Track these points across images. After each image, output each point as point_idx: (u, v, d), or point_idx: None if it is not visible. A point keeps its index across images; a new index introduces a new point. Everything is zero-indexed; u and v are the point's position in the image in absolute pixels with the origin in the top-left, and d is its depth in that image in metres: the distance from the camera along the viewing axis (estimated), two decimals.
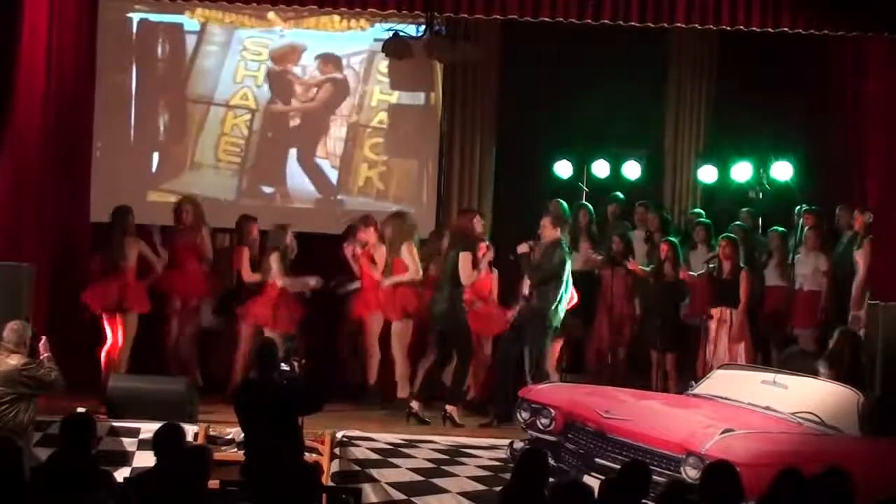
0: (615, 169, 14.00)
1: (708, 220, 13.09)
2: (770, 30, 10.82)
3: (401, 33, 13.02)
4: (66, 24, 11.43)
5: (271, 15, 13.71)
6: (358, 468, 9.93)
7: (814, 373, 10.06)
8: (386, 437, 10.11)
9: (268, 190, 13.93)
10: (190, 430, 9.47)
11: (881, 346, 10.81)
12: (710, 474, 6.56)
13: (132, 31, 13.87)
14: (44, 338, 9.27)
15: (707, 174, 13.94)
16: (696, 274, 12.19)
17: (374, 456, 9.97)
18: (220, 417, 10.25)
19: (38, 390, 9.08)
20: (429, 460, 10.00)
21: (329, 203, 14.00)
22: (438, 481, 9.89)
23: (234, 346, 11.80)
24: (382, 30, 13.40)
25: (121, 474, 8.58)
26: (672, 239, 12.54)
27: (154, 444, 7.33)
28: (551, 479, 7.12)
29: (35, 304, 10.69)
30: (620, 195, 13.76)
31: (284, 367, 8.80)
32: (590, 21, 10.80)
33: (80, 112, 12.17)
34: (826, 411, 9.08)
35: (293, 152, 14.03)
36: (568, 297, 11.15)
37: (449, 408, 10.99)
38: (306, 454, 9.05)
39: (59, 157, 11.49)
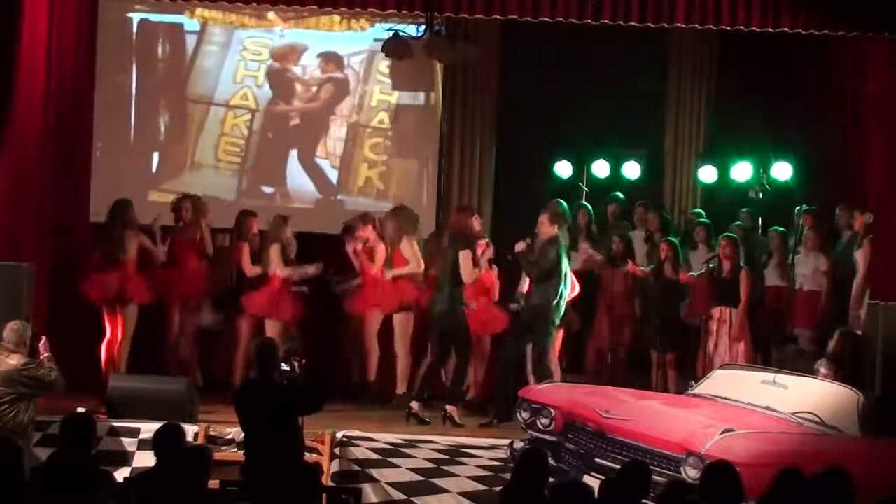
0: (615, 169, 14.00)
1: (708, 220, 13.09)
2: (770, 30, 10.82)
3: (401, 33, 13.02)
4: (66, 24, 11.43)
5: (271, 15, 13.72)
6: (358, 468, 9.93)
7: (811, 372, 10.06)
8: (386, 437, 10.11)
9: (268, 190, 13.94)
10: (190, 430, 9.47)
11: (881, 346, 10.81)
12: (710, 474, 6.56)
13: (132, 31, 13.87)
14: (44, 338, 9.27)
15: (707, 174, 13.94)
16: (696, 274, 12.18)
17: (374, 456, 9.97)
18: (220, 417, 10.25)
19: (38, 390, 9.08)
20: (429, 460, 10.00)
21: (329, 203, 14.00)
22: (438, 481, 9.89)
23: (234, 346, 11.81)
24: (382, 30, 13.40)
25: (121, 474, 8.57)
26: (672, 239, 12.54)
27: (154, 444, 7.33)
28: (551, 479, 7.12)
29: (35, 304, 10.69)
30: (620, 195, 13.76)
31: (284, 367, 8.80)
32: (590, 21, 10.80)
33: (80, 112, 12.17)
34: (826, 411, 9.08)
35: (293, 152, 14.04)
36: (568, 291, 11.14)
37: (449, 408, 10.99)
38: (306, 454, 9.04)
39: (59, 157, 11.49)
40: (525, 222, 11.56)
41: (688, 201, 14.56)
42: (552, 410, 9.35)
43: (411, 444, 10.08)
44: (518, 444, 9.51)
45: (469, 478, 9.90)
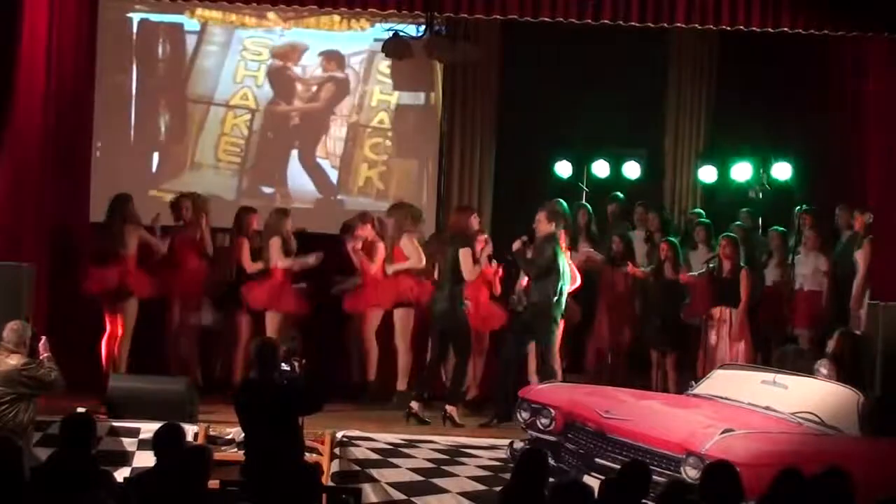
0: (615, 169, 14.00)
1: (708, 220, 13.09)
2: (770, 30, 10.82)
3: (401, 33, 13.02)
4: (66, 24, 11.43)
5: (271, 15, 13.72)
6: (358, 468, 9.93)
7: (809, 371, 10.05)
8: (386, 437, 10.10)
9: (268, 190, 13.94)
10: (190, 430, 9.46)
11: (881, 346, 10.80)
12: (710, 474, 6.56)
13: (132, 31, 13.88)
14: (43, 338, 9.27)
15: (707, 174, 13.95)
16: (696, 274, 12.19)
17: (374, 456, 9.97)
18: (220, 417, 10.25)
19: (38, 390, 9.08)
20: (429, 460, 10.00)
21: (329, 203, 14.00)
22: (438, 481, 9.89)
23: (234, 344, 11.80)
24: (382, 30, 13.40)
25: (121, 474, 8.57)
26: (672, 239, 12.54)
27: (154, 444, 7.33)
28: (551, 479, 7.12)
29: (35, 304, 10.68)
30: (620, 195, 13.76)
31: (285, 367, 8.80)
32: (590, 21, 10.80)
33: (80, 112, 12.16)
34: (826, 411, 9.08)
35: (293, 152, 14.04)
36: (568, 286, 11.12)
37: (449, 408, 10.99)
38: (306, 454, 9.04)
39: (59, 157, 11.49)
40: (525, 222, 11.55)
41: (688, 201, 14.57)
42: (552, 410, 9.34)
43: (411, 444, 10.08)
44: (518, 444, 9.50)
45: (469, 478, 9.89)
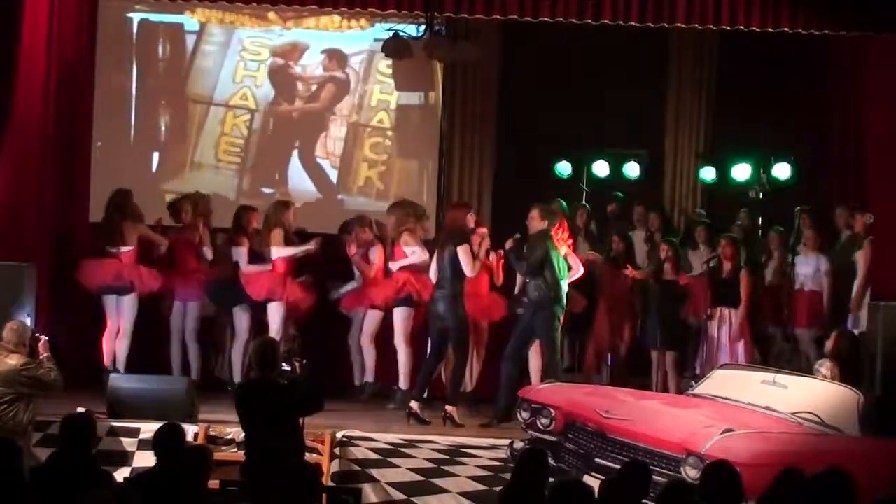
0: (615, 169, 14.01)
1: (709, 220, 13.10)
2: (770, 30, 10.82)
3: (401, 33, 13.03)
4: (66, 25, 11.43)
5: (272, 15, 13.73)
6: (358, 468, 9.92)
7: (809, 372, 10.05)
8: (386, 437, 10.10)
9: (268, 190, 13.94)
10: (190, 430, 9.46)
11: (881, 346, 10.79)
12: (710, 474, 6.56)
13: (132, 31, 13.89)
14: (43, 338, 9.28)
15: (707, 174, 13.95)
16: (695, 275, 12.19)
17: (374, 456, 9.96)
18: (220, 417, 10.25)
19: (38, 390, 9.08)
20: (429, 460, 9.99)
21: (329, 203, 14.01)
22: (438, 481, 9.88)
23: (233, 341, 11.79)
24: (382, 30, 13.42)
25: (121, 474, 8.58)
26: (672, 239, 12.55)
27: (154, 444, 7.33)
28: (551, 479, 7.11)
29: (35, 304, 10.68)
30: (620, 195, 13.77)
31: (285, 367, 8.79)
32: (590, 21, 10.80)
33: (80, 112, 12.17)
34: (826, 411, 9.07)
35: (293, 152, 14.05)
36: (567, 279, 11.10)
37: (449, 408, 10.98)
38: (306, 454, 9.03)
39: (59, 157, 11.50)
40: (525, 222, 11.55)
41: (688, 201, 14.58)
42: (552, 410, 9.34)
43: (411, 444, 10.07)
44: (518, 444, 9.50)
45: (469, 478, 9.89)
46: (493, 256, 11.70)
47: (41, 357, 9.16)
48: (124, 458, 9.77)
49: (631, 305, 12.61)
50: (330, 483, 9.63)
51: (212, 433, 9.98)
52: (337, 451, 9.92)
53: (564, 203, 12.75)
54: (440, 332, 11.17)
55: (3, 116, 10.73)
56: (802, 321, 12.11)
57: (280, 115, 14.07)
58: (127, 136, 13.86)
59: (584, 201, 13.68)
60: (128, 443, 9.88)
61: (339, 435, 9.99)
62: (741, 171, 13.51)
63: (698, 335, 12.03)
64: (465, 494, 9.79)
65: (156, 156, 13.99)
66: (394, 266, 11.76)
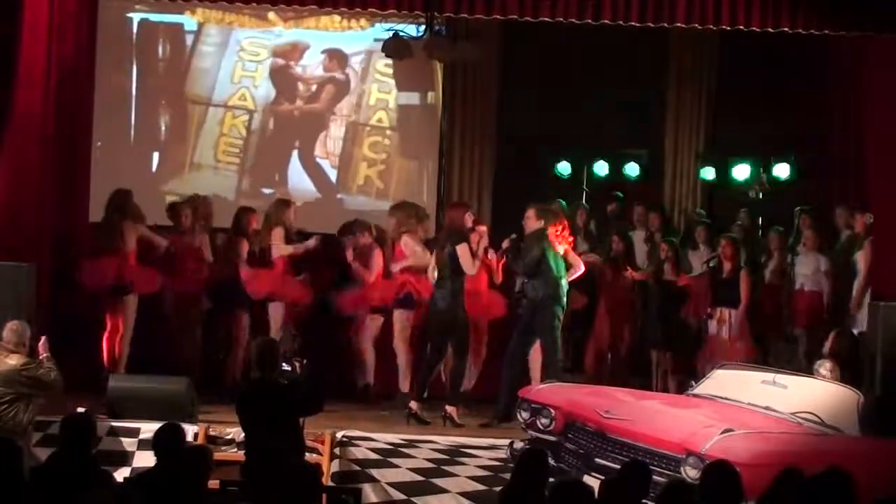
0: (615, 169, 14.01)
1: (709, 220, 13.10)
2: (770, 30, 10.82)
3: (401, 33, 13.03)
4: (66, 25, 11.43)
5: (271, 15, 13.73)
6: (358, 468, 9.92)
7: (809, 372, 10.06)
8: (386, 437, 10.10)
9: (267, 190, 13.94)
10: (190, 430, 9.46)
11: (881, 346, 10.79)
12: (710, 474, 6.56)
13: (132, 31, 13.91)
14: (43, 337, 9.27)
15: (707, 174, 13.95)
16: (695, 275, 12.19)
17: (374, 456, 9.96)
18: (220, 417, 10.25)
19: (38, 390, 9.08)
20: (429, 460, 9.99)
21: (329, 202, 14.01)
22: (438, 481, 9.88)
23: (234, 344, 11.78)
24: (382, 30, 13.42)
25: (121, 474, 8.57)
26: (672, 239, 12.55)
27: (154, 444, 7.33)
28: (551, 479, 7.11)
29: (35, 304, 10.68)
30: (620, 195, 13.77)
31: (285, 367, 8.79)
32: (590, 21, 10.80)
33: (80, 112, 12.15)
34: (826, 411, 9.07)
35: (293, 152, 14.05)
36: (566, 278, 11.11)
37: (449, 408, 10.98)
38: (306, 454, 9.03)
39: (59, 157, 11.49)
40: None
41: (688, 201, 14.58)
42: (552, 410, 9.33)
43: (411, 444, 10.07)
44: (518, 444, 9.49)
45: (469, 478, 9.89)
46: (491, 255, 11.70)
47: (41, 357, 9.16)
48: (124, 458, 9.77)
49: (631, 305, 12.61)
50: (330, 483, 9.62)
51: (212, 433, 9.97)
52: (337, 451, 9.92)
53: (564, 203, 12.76)
54: (440, 332, 11.16)
55: (3, 116, 10.73)
56: (802, 321, 12.11)
57: (279, 115, 14.07)
58: (127, 136, 13.86)
59: (584, 201, 13.68)
60: (128, 443, 9.88)
61: (339, 435, 9.98)
62: (741, 171, 13.51)
63: (698, 335, 12.03)
64: (465, 494, 9.79)
65: (156, 156, 13.99)
66: (394, 267, 11.75)
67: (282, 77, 14.04)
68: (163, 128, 14.01)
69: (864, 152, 12.03)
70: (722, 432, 8.34)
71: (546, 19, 10.83)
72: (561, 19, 10.82)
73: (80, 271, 11.40)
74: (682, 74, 14.64)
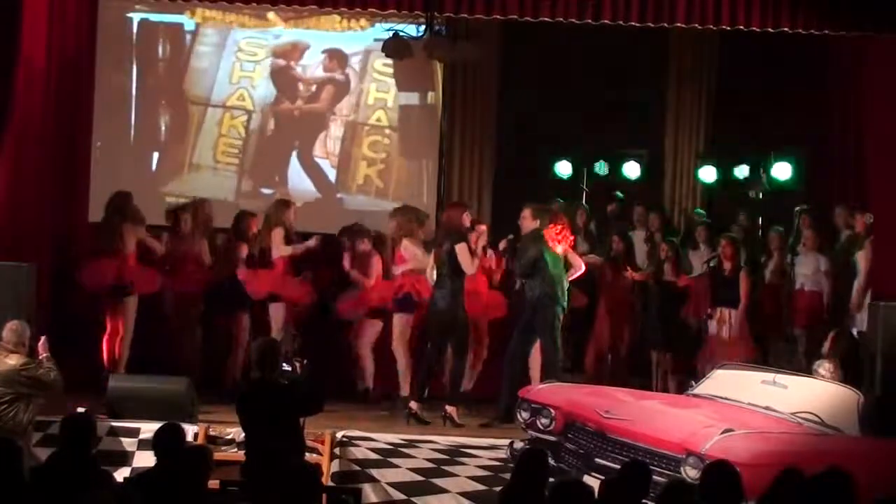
0: (615, 169, 14.00)
1: (709, 220, 13.10)
2: (770, 30, 10.82)
3: (401, 33, 13.02)
4: (66, 25, 11.43)
5: (271, 15, 13.73)
6: (358, 468, 9.92)
7: (808, 372, 10.06)
8: (386, 437, 10.10)
9: (267, 191, 13.93)
10: (190, 430, 9.46)
11: (881, 346, 10.80)
12: (710, 474, 6.56)
13: (132, 31, 13.90)
14: (43, 337, 9.27)
15: (707, 174, 13.95)
16: (696, 275, 12.19)
17: (374, 456, 9.96)
18: (220, 417, 10.25)
19: (38, 390, 9.08)
20: (429, 460, 9.99)
21: (329, 202, 14.01)
22: (438, 481, 9.88)
23: (234, 345, 11.77)
24: (382, 30, 13.41)
25: (121, 474, 8.58)
26: (672, 239, 12.55)
27: (154, 444, 7.33)
28: (551, 479, 7.11)
29: (35, 304, 10.68)
30: (620, 195, 13.77)
31: (286, 367, 8.79)
32: (590, 21, 10.80)
33: (80, 112, 12.17)
34: (826, 411, 9.07)
35: (292, 152, 14.04)
36: (566, 278, 11.11)
37: (449, 408, 10.98)
38: (306, 454, 9.03)
39: (59, 157, 11.49)
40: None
41: (688, 201, 14.58)
42: (552, 410, 9.33)
43: (411, 444, 10.07)
44: (518, 444, 9.49)
45: (469, 478, 9.89)
46: (490, 254, 11.70)
47: (41, 357, 9.16)
48: (124, 458, 9.77)
49: (631, 306, 12.61)
50: (330, 483, 9.62)
51: (212, 433, 9.98)
52: (337, 451, 9.92)
53: (564, 203, 12.77)
54: (440, 332, 11.16)
55: (3, 116, 10.73)
56: (802, 321, 12.11)
57: (278, 115, 14.06)
58: (127, 136, 13.86)
59: (583, 201, 13.67)
60: (128, 443, 9.88)
61: (339, 435, 9.99)
62: (741, 171, 13.50)
63: (698, 335, 12.03)
64: (465, 494, 9.79)
65: (155, 156, 13.99)
66: (395, 270, 11.74)
67: (282, 77, 14.04)
68: (163, 128, 14.01)
69: (864, 152, 12.03)
70: (722, 432, 8.34)
71: (546, 19, 10.83)
72: (561, 19, 10.82)
73: (80, 271, 11.40)
74: (682, 74, 14.63)
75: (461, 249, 10.98)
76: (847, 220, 12.43)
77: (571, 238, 11.42)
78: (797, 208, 12.67)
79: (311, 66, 14.08)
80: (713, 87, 14.61)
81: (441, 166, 14.10)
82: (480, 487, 9.80)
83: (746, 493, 6.47)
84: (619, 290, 12.49)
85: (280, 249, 11.62)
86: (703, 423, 8.77)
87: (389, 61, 13.61)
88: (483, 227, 11.56)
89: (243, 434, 8.81)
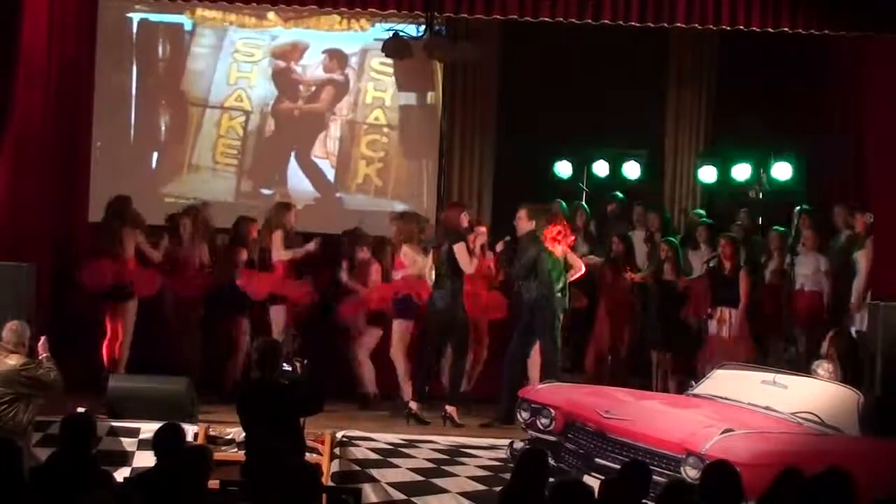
0: (615, 169, 14.00)
1: (710, 220, 13.10)
2: (770, 30, 10.82)
3: (401, 33, 13.02)
4: (66, 25, 11.43)
5: (271, 15, 13.73)
6: (358, 468, 9.93)
7: (807, 372, 10.06)
8: (386, 437, 10.10)
9: (267, 191, 13.93)
10: (190, 430, 9.46)
11: (881, 346, 10.79)
12: (710, 474, 6.56)
13: (132, 31, 13.89)
14: (42, 337, 9.27)
15: (707, 174, 13.94)
16: (695, 276, 12.20)
17: (374, 456, 9.96)
18: (220, 417, 10.25)
19: (37, 390, 9.08)
20: (429, 460, 9.99)
21: (328, 202, 14.01)
22: (438, 481, 9.89)
23: (234, 349, 11.74)
24: (382, 30, 13.40)
25: (121, 474, 8.58)
26: (672, 239, 12.55)
27: (154, 444, 7.33)
28: (551, 479, 7.11)
29: (35, 304, 10.68)
30: (620, 195, 13.76)
31: (286, 367, 8.79)
32: (590, 21, 10.80)
33: (80, 112, 12.17)
34: (826, 411, 9.08)
35: (291, 152, 14.03)
36: (564, 280, 11.10)
37: (449, 408, 10.98)
38: (306, 454, 9.03)
39: (59, 157, 11.49)
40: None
41: (688, 201, 14.57)
42: (552, 410, 9.34)
43: (411, 444, 10.08)
44: (518, 444, 9.50)
45: (469, 478, 9.89)
46: (489, 254, 11.70)
47: (40, 357, 9.15)
48: (124, 458, 9.78)
49: (631, 306, 12.61)
50: (330, 483, 9.63)
51: (212, 433, 9.98)
52: (337, 451, 9.92)
53: (564, 203, 12.76)
54: (439, 332, 11.17)
55: (3, 116, 10.73)
56: (802, 321, 12.10)
57: (276, 115, 14.05)
58: (127, 136, 13.85)
59: (583, 201, 13.67)
60: (128, 443, 9.89)
61: (339, 435, 9.99)
62: (741, 171, 13.50)
63: (698, 335, 12.03)
64: (465, 494, 9.79)
65: (155, 156, 13.98)
66: (395, 276, 11.73)
67: (282, 77, 14.04)
68: (163, 128, 14.01)
69: (864, 152, 12.03)
70: (722, 432, 8.34)
71: (546, 19, 10.82)
72: (561, 19, 10.82)
73: (80, 272, 11.39)
74: (682, 74, 14.63)
75: (459, 249, 10.99)
76: (846, 220, 12.43)
77: (571, 238, 11.42)
78: (797, 208, 12.67)
79: (311, 66, 14.07)
80: (713, 87, 14.60)
81: (441, 166, 14.10)
82: (480, 487, 9.81)
83: (746, 493, 6.47)
84: (619, 291, 12.49)
85: (280, 254, 11.62)
86: (703, 423, 8.77)
87: (387, 60, 13.60)
88: (483, 229, 11.56)
89: (243, 434, 8.82)
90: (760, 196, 13.37)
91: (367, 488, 9.78)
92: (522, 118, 14.12)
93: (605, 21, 10.74)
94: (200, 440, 9.78)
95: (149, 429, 9.23)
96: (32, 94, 10.86)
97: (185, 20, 13.95)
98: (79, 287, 11.45)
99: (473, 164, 14.37)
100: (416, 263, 11.61)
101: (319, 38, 14.02)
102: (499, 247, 11.36)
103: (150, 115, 13.94)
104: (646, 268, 12.60)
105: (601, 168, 13.97)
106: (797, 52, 12.99)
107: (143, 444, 9.69)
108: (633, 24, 10.74)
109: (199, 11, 13.79)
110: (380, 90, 14.11)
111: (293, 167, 14.01)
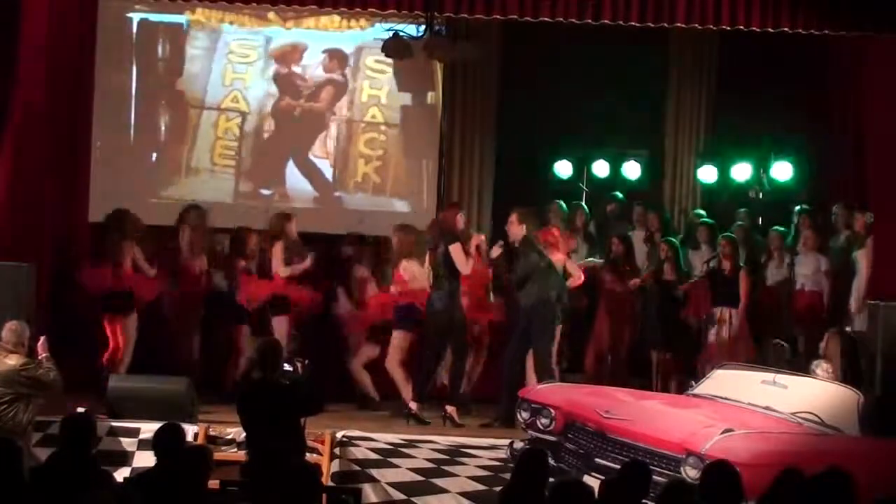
0: (615, 169, 14.00)
1: (710, 220, 13.10)
2: (770, 30, 10.82)
3: (401, 33, 13.01)
4: (66, 25, 11.42)
5: (271, 15, 13.72)
6: (358, 468, 9.93)
7: (807, 372, 10.06)
8: (386, 437, 10.10)
9: (265, 192, 13.92)
10: (190, 430, 9.46)
11: (881, 346, 10.80)
12: (710, 474, 6.56)
13: (132, 31, 13.88)
14: (42, 337, 9.27)
15: (707, 174, 13.95)
16: (694, 278, 12.20)
17: (374, 456, 9.96)
18: (220, 417, 10.25)
19: (37, 390, 9.08)
20: (429, 460, 9.99)
21: (327, 201, 14.00)
22: (438, 481, 9.89)
23: (234, 355, 11.72)
24: (382, 30, 13.39)
25: (121, 474, 8.58)
26: (672, 239, 12.55)
27: (154, 444, 7.33)
28: (551, 479, 7.11)
29: (35, 304, 10.68)
30: (620, 195, 13.77)
31: (287, 367, 8.79)
32: (590, 21, 10.80)
33: (80, 112, 12.16)
34: (826, 411, 9.08)
35: (289, 152, 14.02)
36: (562, 285, 11.11)
37: (449, 408, 10.99)
38: (307, 454, 9.03)
39: (59, 157, 11.48)
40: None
41: (688, 201, 14.57)
42: (552, 410, 9.34)
43: (411, 444, 10.08)
44: (518, 444, 9.50)
45: (469, 478, 9.89)
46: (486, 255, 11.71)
47: (40, 357, 9.15)
48: (124, 458, 9.78)
49: (631, 306, 12.60)
50: (330, 483, 9.63)
51: (212, 433, 9.98)
52: (337, 451, 9.92)
53: (563, 204, 12.76)
54: (438, 333, 11.16)
55: (3, 116, 10.73)
56: (802, 321, 12.11)
57: (275, 115, 14.04)
58: (127, 136, 13.84)
59: (583, 202, 13.67)
60: (128, 443, 9.89)
61: (339, 435, 9.99)
62: (741, 171, 13.51)
63: (698, 335, 12.03)
64: (465, 494, 9.79)
65: (155, 157, 13.97)
66: (393, 290, 11.71)
67: (281, 77, 14.03)
68: (162, 128, 13.99)
69: (864, 152, 12.03)
70: (722, 432, 8.34)
71: (546, 19, 10.82)
72: (561, 19, 10.81)
73: (81, 273, 11.38)
74: (682, 75, 14.63)
75: (455, 250, 11.00)
76: (846, 220, 12.44)
77: (571, 242, 11.42)
78: (797, 208, 12.68)
79: (311, 66, 14.06)
80: (713, 87, 14.60)
81: (441, 166, 14.10)
82: (480, 487, 9.81)
83: (746, 493, 6.47)
84: (619, 291, 12.49)
85: (280, 269, 11.62)
86: (703, 423, 8.77)
87: (382, 58, 13.58)
88: (482, 237, 11.57)
89: (243, 434, 8.82)
90: (760, 196, 13.38)
91: (367, 488, 9.78)
92: (522, 118, 14.12)
93: (605, 21, 10.74)
94: (200, 440, 9.78)
95: (149, 429, 9.23)
96: (32, 94, 10.85)
97: (185, 20, 13.94)
98: (79, 287, 11.44)
99: (473, 164, 14.36)
100: (415, 278, 11.58)
101: (319, 38, 14.01)
102: (494, 252, 11.35)
103: (150, 115, 13.92)
104: (646, 268, 12.59)
105: (601, 168, 13.97)
106: (797, 52, 12.99)
107: (143, 444, 9.69)
108: (633, 24, 10.73)
109: (201, 11, 13.77)
110: (375, 88, 14.11)
111: (292, 167, 14.00)
